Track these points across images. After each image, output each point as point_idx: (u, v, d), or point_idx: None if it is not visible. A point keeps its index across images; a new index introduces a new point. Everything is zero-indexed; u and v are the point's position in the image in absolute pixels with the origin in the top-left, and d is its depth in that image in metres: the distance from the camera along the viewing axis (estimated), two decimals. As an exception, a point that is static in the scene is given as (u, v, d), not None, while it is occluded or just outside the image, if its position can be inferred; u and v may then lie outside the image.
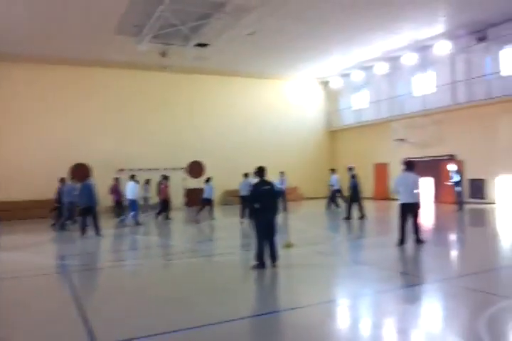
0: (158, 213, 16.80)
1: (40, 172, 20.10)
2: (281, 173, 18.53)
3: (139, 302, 6.19)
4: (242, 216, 14.68)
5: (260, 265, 7.77)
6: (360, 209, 14.65)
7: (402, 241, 9.51)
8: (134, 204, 15.35)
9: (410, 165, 9.81)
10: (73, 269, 8.61)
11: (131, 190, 15.26)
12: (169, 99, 23.84)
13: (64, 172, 18.61)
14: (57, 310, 5.89)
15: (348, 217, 14.52)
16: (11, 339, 4.85)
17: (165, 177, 17.13)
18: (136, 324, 5.21)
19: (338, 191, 18.36)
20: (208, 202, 16.09)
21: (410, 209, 9.55)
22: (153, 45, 18.44)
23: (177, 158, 23.10)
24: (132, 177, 15.73)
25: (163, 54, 18.81)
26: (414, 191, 9.50)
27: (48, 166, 20.20)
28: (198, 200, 17.64)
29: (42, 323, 5.36)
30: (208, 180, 16.28)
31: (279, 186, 17.92)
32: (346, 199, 15.16)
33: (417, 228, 9.65)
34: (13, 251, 10.66)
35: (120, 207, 17.37)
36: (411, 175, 9.64)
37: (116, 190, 17.39)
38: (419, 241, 9.59)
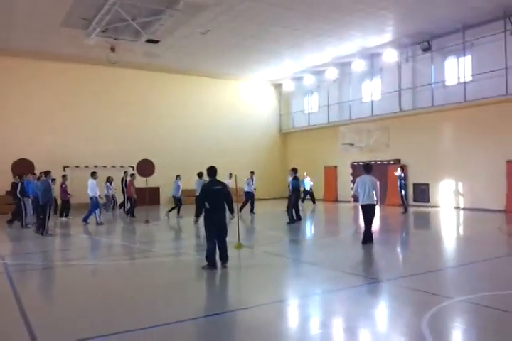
0: (127, 211, 16.89)
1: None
2: (251, 173, 18.55)
3: (84, 302, 5.92)
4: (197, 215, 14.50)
5: (211, 265, 7.65)
6: (297, 211, 14.40)
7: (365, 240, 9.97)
8: (95, 203, 14.88)
9: (368, 168, 10.12)
10: (16, 269, 8.11)
11: (92, 188, 14.77)
12: (120, 96, 23.20)
13: (6, 167, 17.67)
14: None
15: (294, 221, 14.10)
16: None
17: (131, 175, 17.10)
18: (80, 325, 4.99)
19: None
20: (174, 199, 16.71)
21: (368, 210, 9.90)
22: (101, 39, 17.86)
23: (127, 156, 22.49)
24: (93, 175, 15.16)
25: (112, 49, 18.26)
26: (372, 193, 9.79)
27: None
28: (145, 199, 17.23)
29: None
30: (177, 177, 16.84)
31: (247, 187, 17.77)
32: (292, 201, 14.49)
33: (369, 228, 9.98)
34: None
35: (67, 206, 16.88)
36: (369, 178, 9.91)
37: (64, 188, 16.84)
38: (370, 240, 9.92)
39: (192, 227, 13.76)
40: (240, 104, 27.32)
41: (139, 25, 16.71)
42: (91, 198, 14.82)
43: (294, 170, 14.93)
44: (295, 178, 14.61)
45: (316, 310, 5.68)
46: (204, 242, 8.08)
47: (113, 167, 21.02)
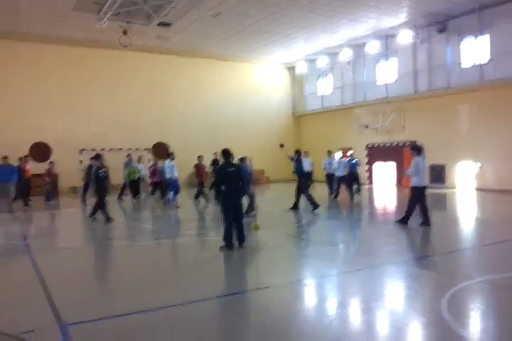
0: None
1: None
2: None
3: (105, 283, 6.04)
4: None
5: (228, 246, 7.75)
6: (310, 198, 12.85)
7: (405, 220, 9.84)
8: (173, 183, 14.70)
9: (420, 149, 9.90)
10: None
11: (170, 169, 14.55)
12: (132, 79, 23.19)
13: (24, 151, 18.03)
14: (22, 291, 5.67)
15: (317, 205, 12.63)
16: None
17: (199, 156, 16.29)
18: (102, 305, 5.11)
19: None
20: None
21: (424, 192, 9.75)
22: (113, 23, 17.80)
23: (139, 139, 22.63)
24: (169, 156, 14.84)
25: (125, 32, 18.19)
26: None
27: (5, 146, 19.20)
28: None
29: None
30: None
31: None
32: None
33: (425, 209, 9.77)
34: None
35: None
36: (423, 160, 9.77)
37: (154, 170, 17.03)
38: (427, 222, 9.74)
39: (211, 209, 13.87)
40: (253, 87, 27.12)
41: (151, 8, 16.60)
42: (168, 179, 14.63)
43: (297, 153, 13.38)
44: (297, 160, 13.10)
45: (333, 291, 5.72)
46: (222, 224, 8.16)
47: (129, 149, 21.15)
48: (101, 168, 11.32)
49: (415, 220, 9.88)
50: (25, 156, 16.11)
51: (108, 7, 16.33)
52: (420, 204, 9.74)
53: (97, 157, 11.67)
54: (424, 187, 9.78)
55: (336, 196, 16.07)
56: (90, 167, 12.33)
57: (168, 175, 14.60)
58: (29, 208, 14.90)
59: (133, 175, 17.16)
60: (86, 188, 15.11)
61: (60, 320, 4.60)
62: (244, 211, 10.48)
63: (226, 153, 8.10)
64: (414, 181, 9.69)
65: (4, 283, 6.28)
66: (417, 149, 9.87)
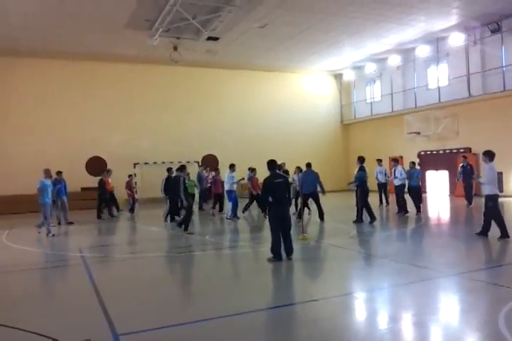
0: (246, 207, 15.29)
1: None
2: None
3: (156, 293, 6.19)
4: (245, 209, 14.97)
5: (276, 258, 7.72)
6: (369, 209, 12.38)
7: (486, 231, 9.24)
8: (233, 196, 14.34)
9: (494, 155, 9.23)
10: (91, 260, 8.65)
11: (229, 181, 14.28)
12: (182, 93, 23.85)
13: (80, 165, 18.84)
14: (78, 301, 5.93)
15: (361, 220, 12.35)
16: (40, 331, 4.82)
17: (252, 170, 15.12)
18: (153, 315, 5.21)
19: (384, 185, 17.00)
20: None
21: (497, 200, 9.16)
22: (164, 40, 18.43)
23: (190, 152, 23.13)
24: (231, 167, 14.52)
25: (175, 48, 18.78)
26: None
27: (61, 160, 20.14)
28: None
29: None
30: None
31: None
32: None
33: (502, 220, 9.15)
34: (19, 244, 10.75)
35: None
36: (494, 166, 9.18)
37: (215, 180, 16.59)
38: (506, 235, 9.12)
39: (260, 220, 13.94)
40: (300, 96, 27.13)
41: (199, 23, 17.05)
42: (229, 191, 14.30)
43: (360, 160, 12.70)
44: (361, 169, 12.50)
45: (384, 304, 5.58)
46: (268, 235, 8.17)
47: (179, 162, 21.63)
48: (187, 178, 11.86)
49: (471, 229, 9.47)
50: (107, 170, 17.04)
51: (159, 24, 16.95)
52: (497, 215, 9.09)
53: (183, 168, 12.26)
54: (496, 195, 9.12)
55: (404, 210, 14.31)
56: (169, 178, 13.63)
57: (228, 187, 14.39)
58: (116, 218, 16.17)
59: (191, 188, 15.69)
60: (174, 200, 14.09)
61: (114, 330, 4.75)
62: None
63: (272, 164, 8.10)
64: (491, 189, 9.01)
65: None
66: (489, 155, 9.18)
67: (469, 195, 15.89)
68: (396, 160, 15.79)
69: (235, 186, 14.48)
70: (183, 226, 11.94)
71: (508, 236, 9.04)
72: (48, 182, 12.37)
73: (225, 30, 18.20)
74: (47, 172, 12.50)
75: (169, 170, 14.83)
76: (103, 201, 16.21)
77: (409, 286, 6.11)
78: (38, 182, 12.12)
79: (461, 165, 16.15)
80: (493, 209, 9.04)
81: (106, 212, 16.32)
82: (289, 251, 7.86)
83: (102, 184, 16.06)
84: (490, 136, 19.18)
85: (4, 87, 20.74)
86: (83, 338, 4.49)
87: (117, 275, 7.75)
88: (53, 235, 11.95)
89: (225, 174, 14.90)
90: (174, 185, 12.20)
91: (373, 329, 4.73)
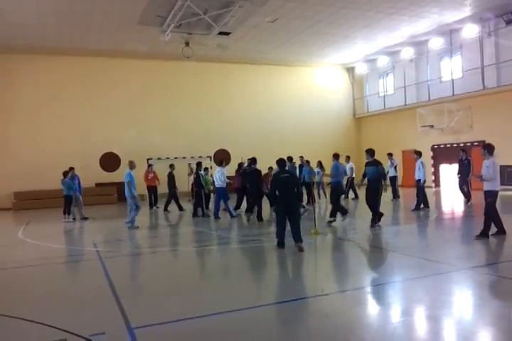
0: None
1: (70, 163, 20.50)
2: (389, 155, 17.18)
3: (168, 287, 6.27)
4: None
5: (279, 243, 8.35)
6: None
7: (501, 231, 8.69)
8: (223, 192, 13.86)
9: (493, 149, 8.82)
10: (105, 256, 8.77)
11: (219, 177, 13.72)
12: (192, 89, 23.90)
13: (94, 161, 19.04)
14: (92, 295, 6.03)
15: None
16: (55, 324, 4.91)
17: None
18: (166, 308, 5.27)
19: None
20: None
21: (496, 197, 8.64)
22: (176, 35, 18.48)
23: (202, 147, 23.22)
24: (220, 164, 14.29)
25: (187, 43, 18.83)
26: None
27: (74, 156, 20.45)
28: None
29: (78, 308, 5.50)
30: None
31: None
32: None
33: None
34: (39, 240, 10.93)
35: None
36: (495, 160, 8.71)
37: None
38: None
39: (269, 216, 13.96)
40: (311, 90, 27.02)
41: (211, 18, 17.06)
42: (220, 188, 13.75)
43: (369, 153, 10.96)
44: (372, 164, 10.71)
45: (397, 298, 5.57)
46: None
47: (192, 158, 21.78)
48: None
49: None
50: (149, 166, 17.44)
51: (170, 19, 16.99)
52: (493, 211, 8.62)
53: (254, 160, 12.81)
54: (498, 192, 8.66)
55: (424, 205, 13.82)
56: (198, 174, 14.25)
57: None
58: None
59: (208, 186, 14.94)
60: (199, 196, 14.26)
61: (128, 323, 4.82)
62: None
63: (281, 162, 8.87)
64: (491, 185, 8.52)
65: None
66: (489, 149, 8.71)
67: (464, 191, 14.87)
68: (390, 154, 17.39)
69: (225, 183, 13.81)
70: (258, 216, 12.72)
71: (504, 233, 8.66)
72: (134, 174, 12.01)
73: (236, 24, 18.19)
74: (132, 164, 12.10)
75: (198, 164, 14.84)
76: (172, 196, 16.14)
77: (422, 280, 6.10)
78: (127, 175, 11.82)
79: (459, 159, 15.17)
80: (490, 205, 8.57)
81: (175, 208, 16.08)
82: (296, 238, 8.18)
83: (171, 177, 16.12)
84: (504, 128, 18.95)
85: (19, 84, 20.96)
86: (98, 331, 4.56)
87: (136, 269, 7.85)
88: (137, 227, 12.02)
89: (215, 171, 14.48)
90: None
91: (385, 322, 4.74)
